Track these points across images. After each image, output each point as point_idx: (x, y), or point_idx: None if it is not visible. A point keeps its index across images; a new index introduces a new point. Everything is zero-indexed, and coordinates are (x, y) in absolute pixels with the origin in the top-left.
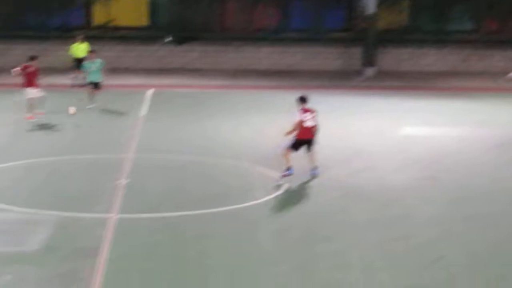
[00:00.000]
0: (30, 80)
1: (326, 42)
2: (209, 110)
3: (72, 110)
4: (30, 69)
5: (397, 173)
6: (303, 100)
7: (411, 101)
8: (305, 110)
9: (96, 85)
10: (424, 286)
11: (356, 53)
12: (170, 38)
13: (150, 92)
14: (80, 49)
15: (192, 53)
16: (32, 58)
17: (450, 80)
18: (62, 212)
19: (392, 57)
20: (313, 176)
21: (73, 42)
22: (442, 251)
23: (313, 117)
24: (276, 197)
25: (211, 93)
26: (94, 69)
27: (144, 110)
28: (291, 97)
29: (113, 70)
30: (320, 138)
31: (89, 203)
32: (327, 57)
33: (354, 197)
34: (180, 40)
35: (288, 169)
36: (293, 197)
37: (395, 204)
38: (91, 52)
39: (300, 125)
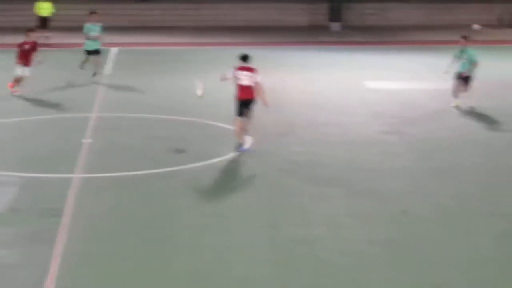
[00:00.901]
0: (24, 57)
1: None
2: (174, 68)
3: (200, 91)
4: (25, 47)
5: (362, 128)
6: (242, 58)
7: (376, 56)
8: (241, 69)
9: (96, 53)
10: (391, 240)
11: (322, 9)
12: None
13: (115, 50)
14: (43, 7)
15: (158, 11)
16: (29, 30)
17: (415, 34)
18: (26, 173)
19: (357, 12)
20: (240, 153)
21: (37, 1)
22: (408, 205)
23: (250, 76)
24: (240, 154)
25: (177, 50)
26: (94, 34)
27: (108, 69)
28: (256, 53)
29: (78, 28)
30: (285, 94)
31: (53, 163)
32: (294, 13)
33: (318, 152)
34: None
35: (240, 145)
36: (255, 154)
37: (360, 159)
38: (92, 13)
39: (237, 85)
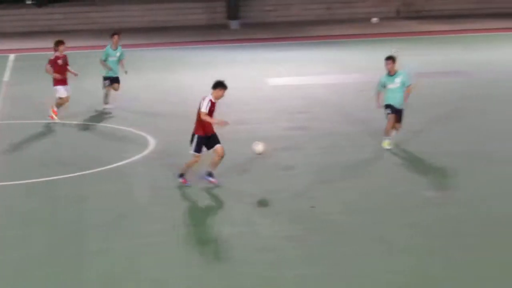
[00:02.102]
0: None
1: None
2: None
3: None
4: (60, 61)
5: (268, 124)
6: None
7: (278, 52)
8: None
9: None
10: (298, 237)
11: (220, 7)
12: (30, 1)
13: (12, 57)
14: None
15: (56, 15)
16: (60, 43)
17: (316, 29)
18: None
19: (256, 9)
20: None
21: None
22: (315, 200)
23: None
24: (147, 155)
25: (76, 54)
26: (114, 59)
27: (6, 75)
28: (156, 54)
29: None
30: (189, 93)
31: None
32: (192, 12)
33: (225, 150)
34: (41, 1)
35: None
36: (164, 154)
37: (267, 155)
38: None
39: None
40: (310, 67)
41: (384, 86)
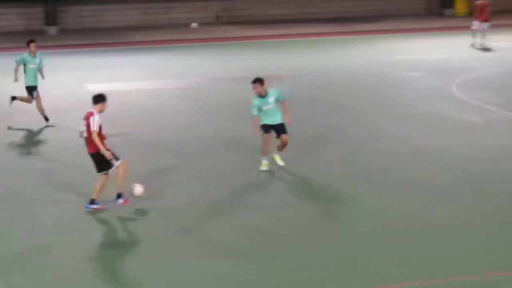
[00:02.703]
0: None
1: (6, 3)
2: None
3: None
4: None
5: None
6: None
7: (95, 58)
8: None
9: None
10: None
11: (37, 13)
12: None
13: None
14: None
15: None
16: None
17: (134, 35)
18: None
19: (74, 15)
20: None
21: None
22: (164, 202)
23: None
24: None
25: None
26: (34, 67)
27: None
28: None
29: None
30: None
31: None
32: (7, 18)
33: (60, 159)
34: None
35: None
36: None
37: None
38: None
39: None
40: (128, 73)
41: (259, 109)
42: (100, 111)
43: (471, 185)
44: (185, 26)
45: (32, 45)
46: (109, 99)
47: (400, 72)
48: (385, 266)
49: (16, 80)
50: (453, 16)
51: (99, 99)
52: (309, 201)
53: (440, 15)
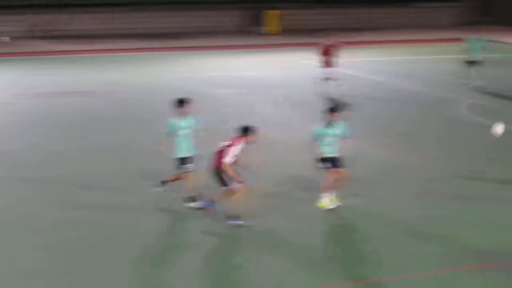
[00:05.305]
0: None
1: None
2: None
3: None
4: None
5: None
6: None
7: None
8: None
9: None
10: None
11: None
12: None
13: None
14: None
15: None
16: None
17: None
18: None
19: None
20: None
21: None
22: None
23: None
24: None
25: None
26: None
27: None
28: None
29: None
30: None
31: None
32: None
33: None
34: None
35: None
36: None
37: None
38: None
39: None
40: None
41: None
42: (248, 143)
43: None
44: None
45: None
46: None
47: (214, 88)
48: None
49: None
50: (267, 34)
51: (248, 130)
52: None
53: (251, 33)
